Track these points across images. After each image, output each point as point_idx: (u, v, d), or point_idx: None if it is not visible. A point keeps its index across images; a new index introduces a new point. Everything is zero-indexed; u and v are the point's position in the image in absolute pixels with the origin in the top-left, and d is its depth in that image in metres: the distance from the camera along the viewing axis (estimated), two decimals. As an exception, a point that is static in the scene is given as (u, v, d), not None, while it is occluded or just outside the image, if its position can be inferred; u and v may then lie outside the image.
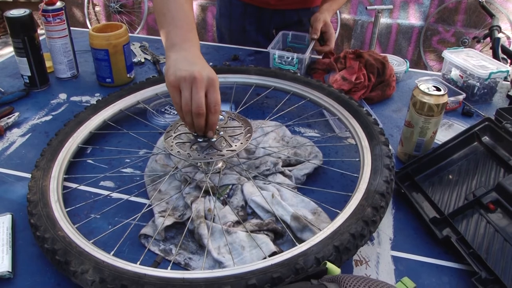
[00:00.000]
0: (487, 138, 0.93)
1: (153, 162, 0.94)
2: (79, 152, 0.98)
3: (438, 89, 0.91)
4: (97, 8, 4.63)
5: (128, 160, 0.98)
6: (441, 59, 3.13)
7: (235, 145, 0.84)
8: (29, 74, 1.24)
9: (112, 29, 1.26)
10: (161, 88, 1.13)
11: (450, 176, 0.90)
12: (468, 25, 3.77)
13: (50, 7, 1.23)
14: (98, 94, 1.25)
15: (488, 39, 2.45)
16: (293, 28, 1.48)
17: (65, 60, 1.31)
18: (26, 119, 1.13)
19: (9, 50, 4.40)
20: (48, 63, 1.30)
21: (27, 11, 1.18)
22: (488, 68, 1.21)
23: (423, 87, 0.91)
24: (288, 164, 0.93)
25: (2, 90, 1.24)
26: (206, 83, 0.78)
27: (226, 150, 0.83)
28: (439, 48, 3.87)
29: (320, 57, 1.40)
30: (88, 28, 4.58)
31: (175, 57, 0.82)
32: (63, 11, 1.25)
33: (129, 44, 1.27)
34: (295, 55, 1.29)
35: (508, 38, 3.63)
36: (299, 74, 1.16)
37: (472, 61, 1.26)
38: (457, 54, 1.30)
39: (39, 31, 1.21)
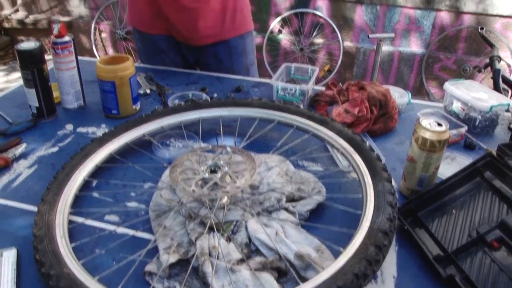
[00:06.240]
0: (489, 173, 0.93)
1: (158, 196, 0.95)
2: (85, 186, 0.99)
3: (440, 124, 0.92)
4: (103, 35, 4.71)
5: (133, 194, 0.99)
6: (443, 86, 3.16)
7: (240, 181, 0.85)
8: (37, 105, 1.26)
9: (119, 61, 1.29)
10: (166, 121, 1.15)
11: (454, 211, 0.90)
12: (469, 53, 3.82)
13: (59, 40, 1.26)
14: (104, 125, 1.27)
15: (489, 68, 2.48)
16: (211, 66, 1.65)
17: (72, 91, 1.33)
18: (33, 150, 1.15)
19: (16, 76, 4.46)
20: (55, 93, 1.32)
21: (37, 43, 1.21)
22: (489, 101, 1.23)
23: (424, 122, 0.92)
24: (291, 199, 0.93)
25: (10, 121, 1.26)
26: None
27: (231, 187, 0.84)
28: (441, 75, 3.92)
29: (323, 89, 1.42)
30: (94, 53, 4.66)
31: None
32: (71, 44, 1.28)
33: (135, 76, 1.30)
34: (298, 86, 1.30)
35: (509, 66, 3.67)
36: (302, 106, 1.18)
37: (472, 94, 1.27)
38: (458, 86, 1.32)
39: (46, 57, 1.23)
